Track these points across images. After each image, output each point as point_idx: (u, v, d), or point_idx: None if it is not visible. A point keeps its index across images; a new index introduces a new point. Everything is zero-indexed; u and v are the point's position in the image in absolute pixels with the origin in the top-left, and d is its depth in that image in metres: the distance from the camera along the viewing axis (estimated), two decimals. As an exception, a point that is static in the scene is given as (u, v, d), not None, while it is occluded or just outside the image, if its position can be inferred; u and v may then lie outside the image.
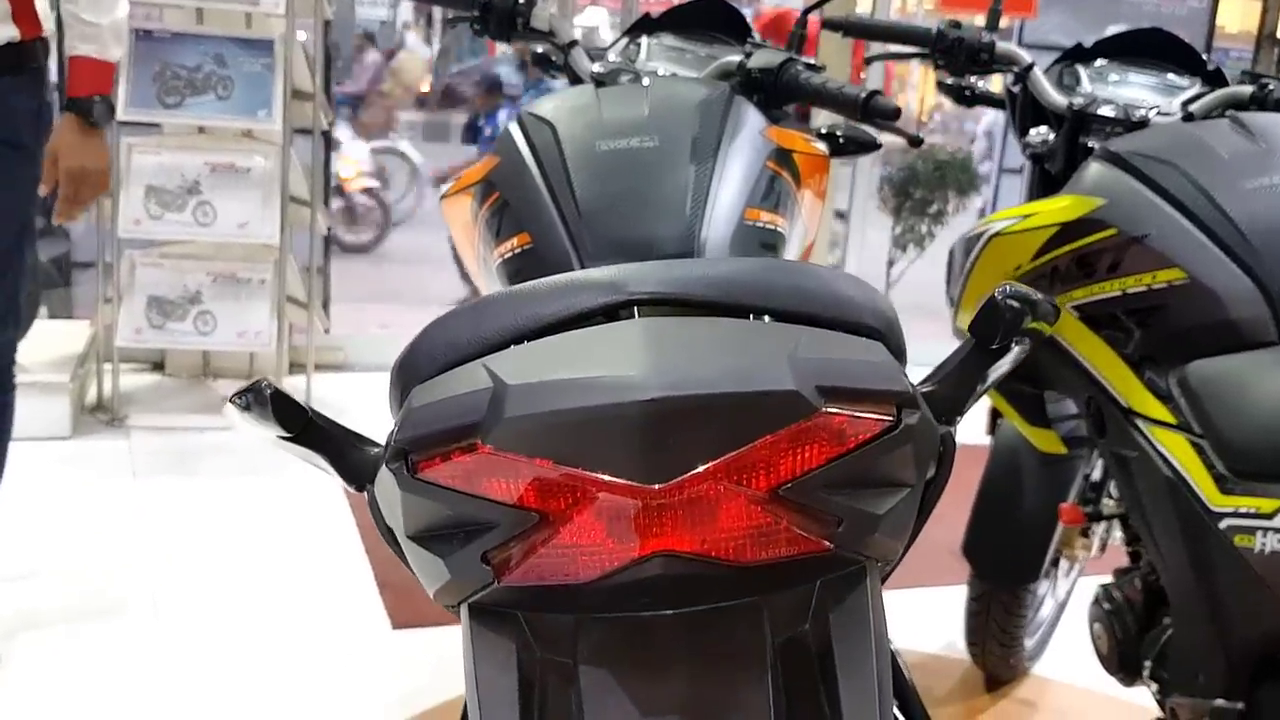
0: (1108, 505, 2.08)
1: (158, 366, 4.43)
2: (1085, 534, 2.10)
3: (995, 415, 2.32)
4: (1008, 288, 0.74)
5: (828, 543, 0.62)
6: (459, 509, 0.64)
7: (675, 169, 1.49)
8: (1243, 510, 1.41)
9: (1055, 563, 2.52)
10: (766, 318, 0.71)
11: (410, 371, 0.80)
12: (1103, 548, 2.29)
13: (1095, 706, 2.38)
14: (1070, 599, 2.65)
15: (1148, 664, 1.72)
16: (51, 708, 2.39)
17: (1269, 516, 1.37)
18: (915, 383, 0.75)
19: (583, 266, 1.42)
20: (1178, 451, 1.54)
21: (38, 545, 3.12)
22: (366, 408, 4.70)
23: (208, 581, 2.98)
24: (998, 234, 1.86)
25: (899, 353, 0.77)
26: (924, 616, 2.77)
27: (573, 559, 0.63)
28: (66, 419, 3.79)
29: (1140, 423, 1.62)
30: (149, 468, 3.68)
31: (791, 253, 1.62)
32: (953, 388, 0.73)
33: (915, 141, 1.95)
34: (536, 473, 0.61)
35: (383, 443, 0.80)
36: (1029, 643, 2.56)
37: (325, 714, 2.42)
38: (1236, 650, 1.47)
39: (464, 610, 0.75)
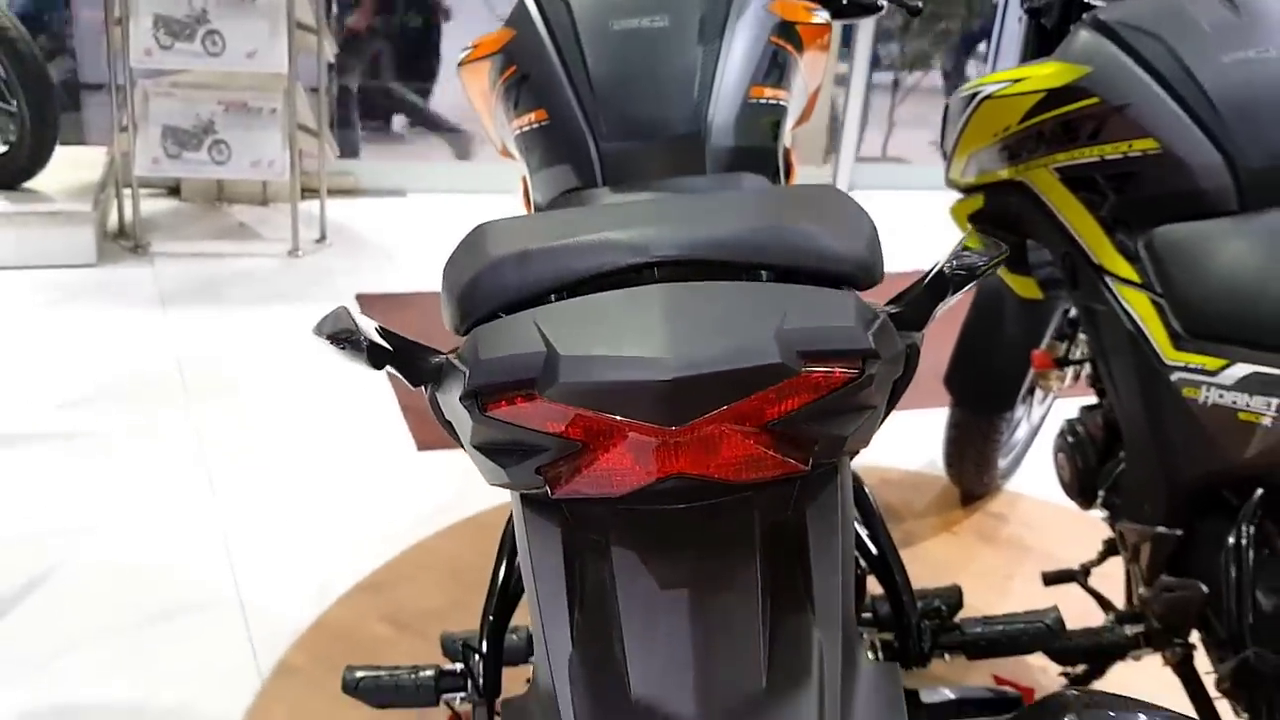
0: (1076, 351, 2.25)
1: (173, 191, 4.54)
2: (1058, 368, 2.27)
3: (981, 260, 2.47)
4: (966, 248, 0.90)
5: (804, 465, 0.80)
6: (518, 437, 0.81)
7: (684, 49, 1.60)
8: (1192, 366, 1.58)
9: (1031, 392, 2.73)
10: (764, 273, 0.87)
11: (467, 294, 0.94)
12: (1076, 377, 2.49)
13: (1057, 520, 2.61)
14: (1044, 424, 2.86)
15: (1102, 492, 1.93)
16: (92, 523, 2.62)
17: (1213, 374, 1.54)
18: (886, 303, 0.92)
19: (596, 145, 1.55)
20: (1140, 308, 1.70)
21: (78, 376, 3.32)
22: (376, 229, 4.88)
23: (242, 409, 3.19)
24: (989, 96, 1.97)
25: (873, 279, 0.94)
26: (909, 437, 2.98)
27: (608, 478, 0.81)
28: (92, 246, 3.93)
29: (1109, 279, 1.78)
30: (176, 296, 3.84)
31: (794, 114, 1.75)
32: (917, 307, 0.90)
33: (914, 11, 2.03)
34: (580, 416, 0.78)
35: (436, 349, 0.96)
36: (1002, 463, 2.78)
37: (356, 529, 2.66)
38: (1178, 485, 1.66)
39: (517, 496, 0.93)
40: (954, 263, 0.88)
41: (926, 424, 2.88)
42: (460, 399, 0.80)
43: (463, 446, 0.98)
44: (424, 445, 3.03)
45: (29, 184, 4.00)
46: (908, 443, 2.98)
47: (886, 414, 0.94)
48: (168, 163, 3.98)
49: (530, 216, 1.05)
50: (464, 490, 2.77)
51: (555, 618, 0.85)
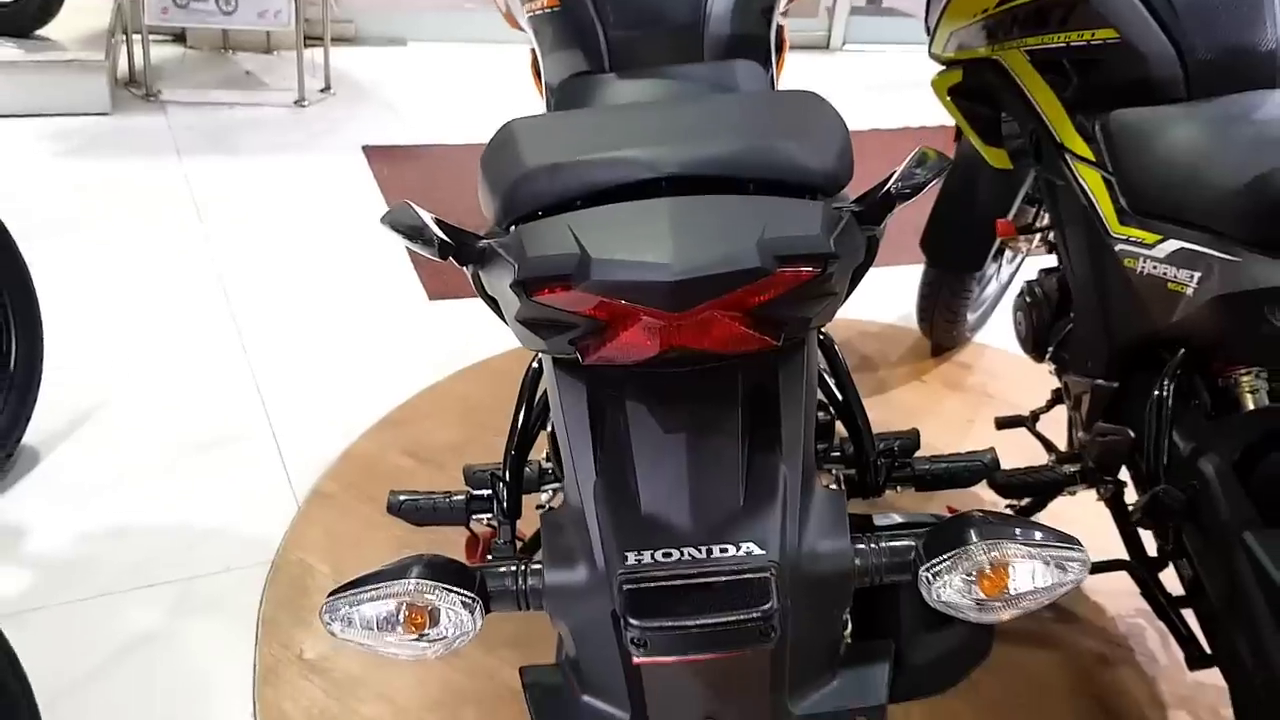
0: (1042, 218, 2.44)
1: (179, 39, 4.62)
2: (1020, 235, 2.46)
3: (959, 131, 2.64)
4: (918, 162, 1.09)
5: (776, 341, 1.01)
6: (556, 317, 1.02)
7: None
8: (1132, 239, 1.77)
9: (1001, 253, 2.93)
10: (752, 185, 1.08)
11: (508, 197, 1.15)
12: (1044, 241, 2.69)
13: (1017, 370, 2.81)
14: (1012, 281, 3.07)
15: (1052, 348, 2.16)
16: (128, 363, 2.84)
17: (1149, 247, 1.73)
18: (854, 199, 1.12)
19: (604, 33, 1.71)
20: (1093, 184, 1.88)
21: (105, 223, 3.49)
22: (379, 79, 4.96)
23: (262, 259, 3.38)
24: (969, -20, 2.11)
25: (840, 186, 1.14)
26: (886, 293, 3.17)
27: (626, 350, 1.02)
28: (105, 95, 4.05)
29: (1068, 156, 1.95)
30: (190, 145, 3.98)
31: None
32: (876, 208, 1.10)
33: None
34: (605, 304, 0.98)
35: (479, 235, 1.16)
36: (971, 317, 3.00)
37: (375, 371, 2.88)
38: (1116, 344, 1.88)
39: (549, 359, 1.15)
40: (904, 180, 1.08)
41: (902, 280, 3.08)
42: (510, 286, 1.00)
43: (504, 320, 1.19)
44: (434, 295, 3.23)
45: (40, 31, 4.09)
46: (884, 298, 3.18)
47: (848, 294, 1.15)
48: (176, 12, 4.07)
49: (553, 120, 1.23)
50: (473, 338, 2.98)
51: (582, 453, 1.08)
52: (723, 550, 1.00)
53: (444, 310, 3.17)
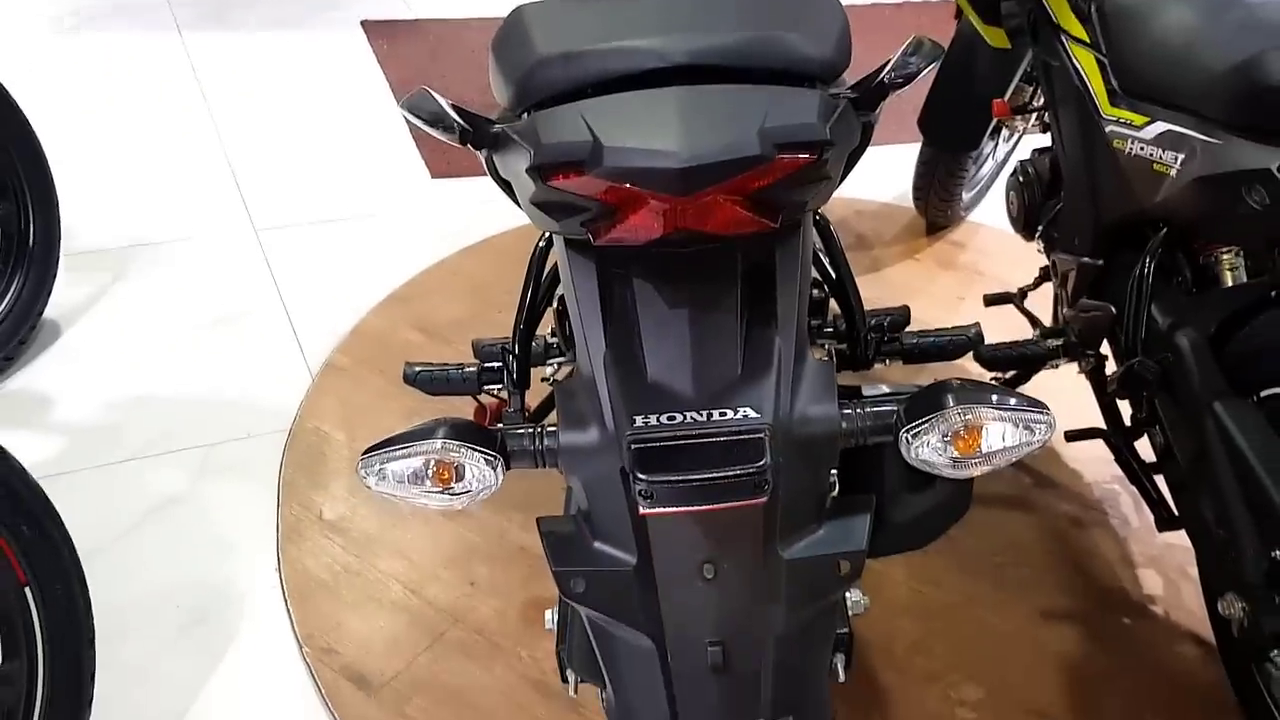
0: (1037, 99, 2.48)
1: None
2: (1015, 115, 2.51)
3: (959, 10, 2.66)
4: (912, 51, 1.15)
5: (774, 224, 1.09)
6: (569, 200, 1.08)
7: None
8: (1122, 120, 1.82)
9: (998, 131, 2.97)
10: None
11: (522, 84, 1.21)
12: (1039, 120, 2.73)
13: (1009, 248, 2.89)
14: (1008, 161, 3.12)
15: (1041, 226, 2.23)
16: (143, 238, 2.91)
17: (1138, 129, 1.79)
18: (850, 86, 1.18)
19: None
20: (1086, 65, 1.93)
21: (113, 99, 3.51)
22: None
23: (266, 135, 3.41)
24: None
25: (837, 74, 1.20)
26: (882, 171, 3.22)
27: (634, 231, 1.09)
28: (103, -31, 4.01)
29: (1064, 38, 1.99)
30: (189, 21, 3.98)
31: None
32: (871, 95, 1.17)
33: None
34: (616, 188, 1.05)
35: (493, 119, 1.22)
36: (966, 196, 3.06)
37: (382, 248, 2.95)
38: (1103, 223, 1.95)
39: (561, 240, 1.22)
40: (898, 69, 1.14)
41: (899, 159, 3.13)
42: (526, 170, 1.07)
43: (516, 202, 1.26)
44: (437, 174, 3.28)
45: (33, -98, 4.04)
46: (881, 177, 3.23)
47: (844, 178, 1.22)
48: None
49: (561, 6, 1.29)
50: (476, 216, 3.04)
51: (593, 327, 1.16)
52: (722, 414, 1.09)
53: (447, 188, 3.22)
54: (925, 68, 1.16)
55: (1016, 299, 2.32)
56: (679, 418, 1.09)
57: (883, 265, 2.99)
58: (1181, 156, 1.69)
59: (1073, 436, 2.03)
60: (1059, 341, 2.08)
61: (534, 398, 1.69)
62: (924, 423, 1.08)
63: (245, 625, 1.92)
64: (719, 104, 1.08)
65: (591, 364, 1.15)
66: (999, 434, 1.06)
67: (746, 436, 1.08)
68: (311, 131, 3.46)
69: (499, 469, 1.12)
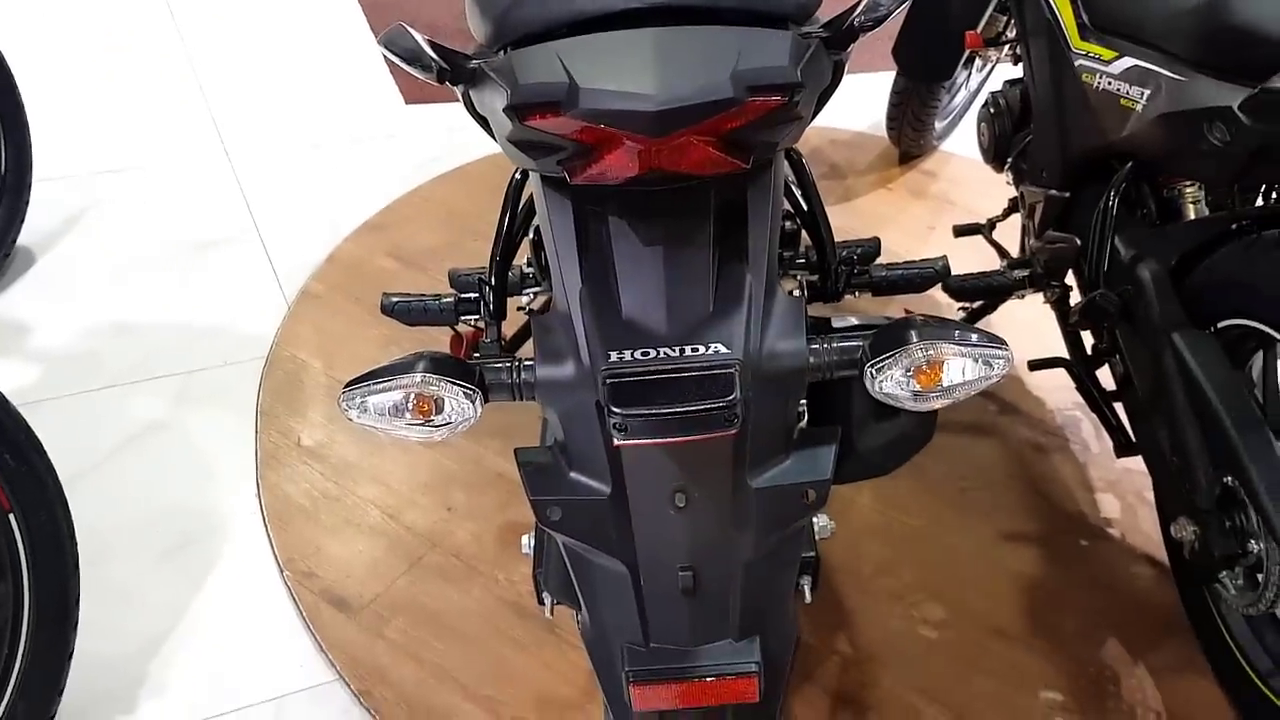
0: (1009, 34, 2.49)
1: None
2: (988, 47, 2.52)
3: (931, -64, 2.66)
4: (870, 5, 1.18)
5: (745, 164, 1.11)
6: (545, 140, 1.10)
7: None
8: (1091, 55, 1.84)
9: (971, 61, 2.98)
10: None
11: (500, 22, 1.22)
12: (1013, 51, 2.74)
13: (980, 178, 2.90)
14: (981, 90, 3.13)
15: (1011, 158, 2.25)
16: (118, 164, 2.90)
17: (1106, 63, 1.81)
18: (822, 24, 1.20)
19: None
20: (1058, -1, 1.95)
21: (77, 27, 3.46)
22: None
23: (238, 61, 3.38)
24: None
25: (809, 14, 1.22)
26: (856, 101, 3.24)
27: (609, 171, 1.11)
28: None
29: (1036, -31, 2.01)
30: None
31: None
32: (843, 35, 1.18)
33: None
34: (591, 129, 1.07)
35: (469, 54, 1.24)
36: (939, 125, 3.08)
37: (356, 174, 2.95)
38: (1071, 156, 1.97)
39: (537, 176, 1.24)
40: (868, 12, 1.16)
41: (872, 88, 3.14)
42: (504, 109, 1.09)
43: (493, 137, 1.27)
44: (411, 99, 3.27)
45: None
46: (854, 106, 3.25)
47: (815, 115, 1.25)
48: None
49: None
50: (451, 143, 3.04)
51: (569, 261, 1.19)
52: (694, 350, 1.12)
53: (421, 114, 3.21)
54: (895, 8, 1.18)
55: (985, 230, 2.35)
56: (652, 353, 1.12)
57: (855, 194, 3.01)
58: (1147, 92, 1.71)
59: (1036, 365, 2.08)
60: (1025, 272, 2.12)
61: (510, 327, 1.72)
62: (888, 358, 1.12)
63: (227, 549, 1.96)
64: (693, 46, 1.10)
65: (568, 299, 1.18)
66: (959, 369, 1.10)
67: (717, 372, 1.11)
68: (285, 57, 3.43)
69: (477, 402, 1.15)
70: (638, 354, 1.13)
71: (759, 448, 1.19)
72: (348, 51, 3.45)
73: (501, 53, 1.24)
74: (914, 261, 1.76)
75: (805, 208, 1.70)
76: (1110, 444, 1.96)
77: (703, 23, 1.16)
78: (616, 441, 1.13)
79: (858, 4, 1.19)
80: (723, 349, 1.13)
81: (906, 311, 2.33)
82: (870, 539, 2.03)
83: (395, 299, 1.76)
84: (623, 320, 1.15)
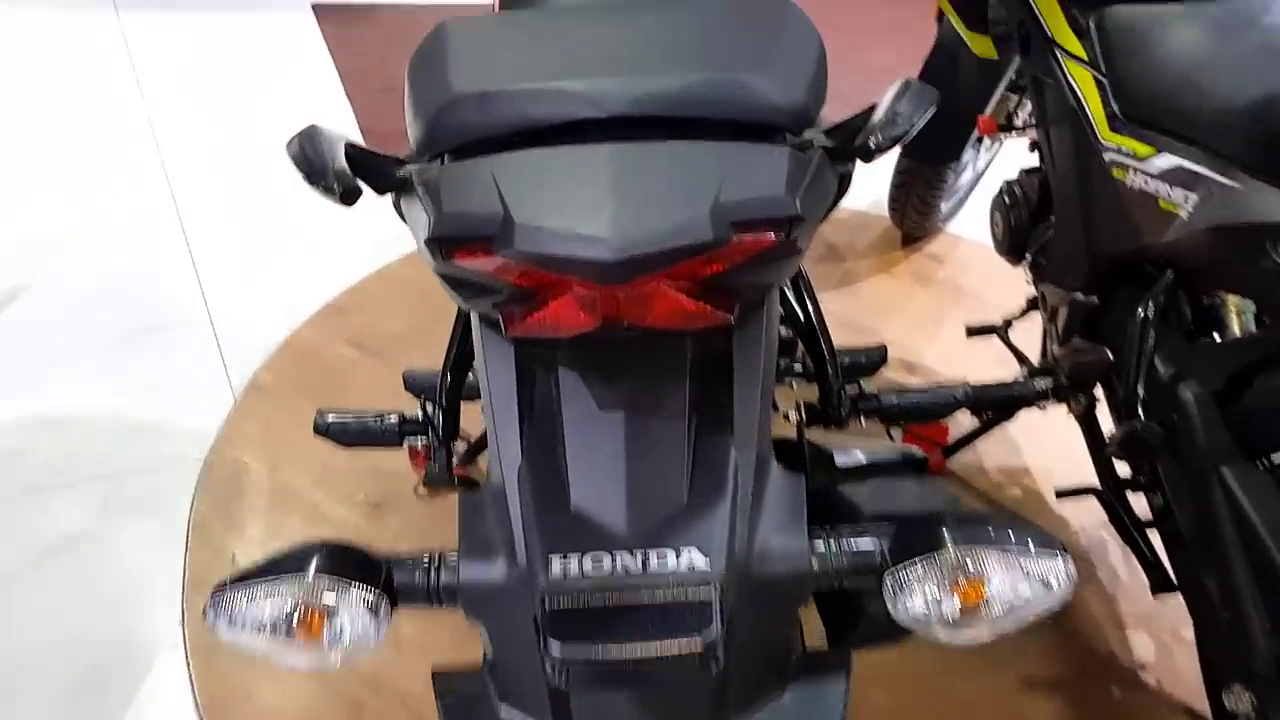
0: (1023, 112, 2.31)
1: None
2: (1003, 132, 2.34)
3: (941, 12, 2.48)
4: (899, 100, 0.96)
5: (730, 316, 0.89)
6: (478, 280, 0.89)
7: None
8: (1124, 149, 1.65)
9: (979, 141, 2.79)
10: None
11: (432, 126, 1.01)
12: (1023, 130, 2.56)
13: (991, 264, 2.73)
14: (988, 170, 2.94)
15: (1030, 254, 2.05)
16: (63, 238, 2.69)
17: (1142, 160, 1.61)
18: (823, 133, 0.99)
19: None
20: (1083, 85, 1.75)
21: (36, 84, 3.27)
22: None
23: (199, 121, 3.18)
24: None
25: (809, 122, 1.01)
26: (856, 177, 3.03)
27: (555, 324, 0.90)
28: (32, -61, 3.76)
29: (1058, 53, 1.82)
30: (130, 1, 3.72)
31: None
32: (850, 140, 0.98)
33: None
34: (531, 272, 0.85)
35: (400, 159, 1.03)
36: (944, 207, 2.88)
37: (316, 255, 2.74)
38: (1099, 257, 1.78)
39: (474, 316, 1.02)
40: (885, 129, 0.95)
41: (873, 164, 2.94)
42: (425, 243, 0.88)
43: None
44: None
45: None
46: (854, 183, 3.03)
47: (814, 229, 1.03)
48: None
49: (489, 26, 1.09)
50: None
51: (507, 428, 0.96)
52: (661, 558, 0.88)
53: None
54: (918, 123, 0.97)
55: (1001, 331, 2.15)
56: (607, 561, 0.88)
57: (855, 279, 2.81)
58: (1194, 197, 1.51)
59: (1064, 494, 1.86)
60: (1048, 382, 1.90)
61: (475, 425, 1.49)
62: (914, 566, 0.89)
63: (143, 689, 1.72)
64: (662, 169, 0.88)
65: (504, 475, 0.95)
66: (1008, 587, 0.87)
67: (690, 599, 0.87)
68: (251, 121, 3.23)
69: (383, 612, 0.91)
70: (588, 561, 0.88)
71: (746, 684, 0.95)
72: (320, 116, 3.26)
73: (440, 161, 1.04)
74: (928, 388, 1.55)
75: (801, 316, 1.50)
76: (1144, 574, 1.74)
77: (675, 136, 0.95)
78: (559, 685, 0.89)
79: (868, 113, 0.98)
80: (699, 559, 0.88)
81: (910, 435, 2.10)
82: (875, 688, 1.79)
83: (331, 418, 1.54)
84: (571, 512, 0.92)
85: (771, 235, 0.85)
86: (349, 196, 0.96)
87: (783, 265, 0.93)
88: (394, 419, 1.51)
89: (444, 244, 0.86)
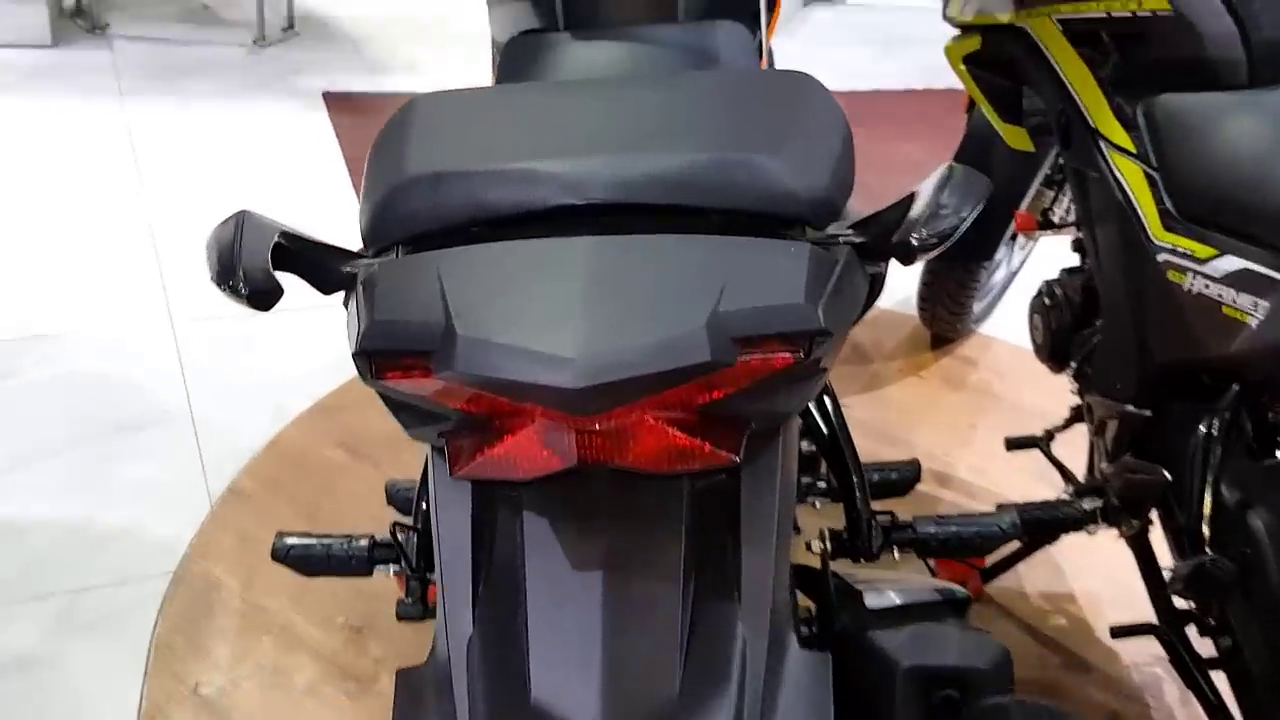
0: (1062, 205, 2.17)
1: (133, -33, 4.28)
2: (1042, 229, 2.19)
3: (971, 102, 2.35)
4: (945, 187, 0.79)
5: (736, 456, 0.71)
6: (417, 403, 0.73)
7: None
8: (1180, 250, 1.50)
9: (1013, 238, 2.64)
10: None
11: (378, 215, 0.86)
12: (1060, 228, 2.41)
13: (1028, 367, 2.57)
14: (1023, 268, 2.79)
15: (1074, 362, 1.88)
16: (44, 329, 2.56)
17: (1202, 262, 1.46)
18: (850, 227, 0.83)
19: None
20: (1132, 180, 1.61)
21: (33, 167, 3.18)
22: (348, 17, 4.58)
23: (198, 208, 3.08)
24: (996, -62, 1.82)
25: (833, 217, 0.85)
26: (884, 275, 2.91)
27: (513, 462, 0.73)
28: (46, 26, 3.72)
29: (1103, 145, 1.67)
30: (135, 86, 3.65)
31: None
32: (885, 236, 0.81)
33: None
34: (481, 396, 0.70)
35: (351, 253, 0.88)
36: (977, 308, 2.73)
37: (307, 350, 2.60)
38: (1153, 366, 1.61)
39: (429, 447, 0.86)
40: (930, 224, 0.78)
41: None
42: (353, 357, 0.72)
43: None
44: (387, 260, 2.94)
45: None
46: (883, 280, 2.91)
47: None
48: (122, -64, 3.73)
49: (464, 100, 0.94)
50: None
51: (457, 588, 0.78)
52: None
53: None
54: (968, 217, 0.80)
55: (1043, 443, 1.98)
56: None
57: (882, 383, 2.64)
58: (1264, 304, 1.35)
59: (1120, 633, 1.67)
60: (1097, 503, 1.73)
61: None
62: None
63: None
64: (649, 269, 0.71)
65: (450, 652, 0.77)
66: None
67: None
68: (247, 204, 3.11)
69: None
70: None
71: None
72: (321, 208, 3.15)
73: (395, 253, 0.89)
74: (972, 516, 1.37)
75: (824, 427, 1.33)
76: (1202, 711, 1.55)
77: (669, 229, 0.78)
78: None
79: (905, 204, 0.82)
80: None
81: (933, 567, 1.91)
82: None
83: (291, 541, 1.37)
84: (530, 704, 0.74)
85: (788, 354, 0.68)
86: (260, 299, 0.80)
87: (801, 390, 0.75)
88: (363, 543, 1.34)
89: (374, 359, 0.71)
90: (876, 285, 0.87)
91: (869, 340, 2.80)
